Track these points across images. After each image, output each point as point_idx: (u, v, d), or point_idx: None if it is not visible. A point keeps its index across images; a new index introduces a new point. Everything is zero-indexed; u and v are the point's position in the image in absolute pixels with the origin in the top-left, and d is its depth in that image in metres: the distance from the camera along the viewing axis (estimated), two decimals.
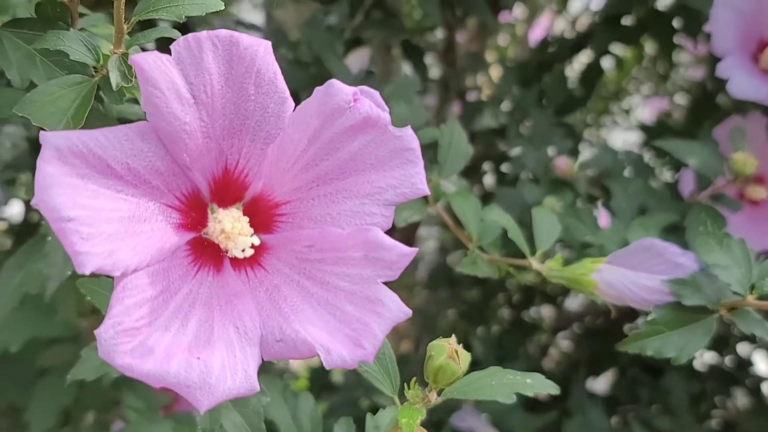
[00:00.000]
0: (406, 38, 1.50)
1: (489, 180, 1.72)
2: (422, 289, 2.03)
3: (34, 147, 1.34)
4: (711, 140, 1.13)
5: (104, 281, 0.72)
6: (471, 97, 1.85)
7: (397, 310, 0.54)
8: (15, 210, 1.58)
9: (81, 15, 0.73)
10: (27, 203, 1.37)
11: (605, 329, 1.76)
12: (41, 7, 0.69)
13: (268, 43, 0.55)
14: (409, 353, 1.93)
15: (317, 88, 0.56)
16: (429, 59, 1.66)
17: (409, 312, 0.54)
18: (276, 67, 0.56)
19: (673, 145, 1.09)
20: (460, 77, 1.70)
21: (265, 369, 0.67)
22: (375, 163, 0.57)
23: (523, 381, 0.71)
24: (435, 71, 1.86)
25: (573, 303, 1.98)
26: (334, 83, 0.56)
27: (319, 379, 1.68)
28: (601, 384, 1.89)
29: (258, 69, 0.55)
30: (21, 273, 0.85)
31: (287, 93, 0.56)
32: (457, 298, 1.82)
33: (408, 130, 0.58)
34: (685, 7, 1.38)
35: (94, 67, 0.65)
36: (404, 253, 0.55)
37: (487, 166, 1.70)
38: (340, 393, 1.60)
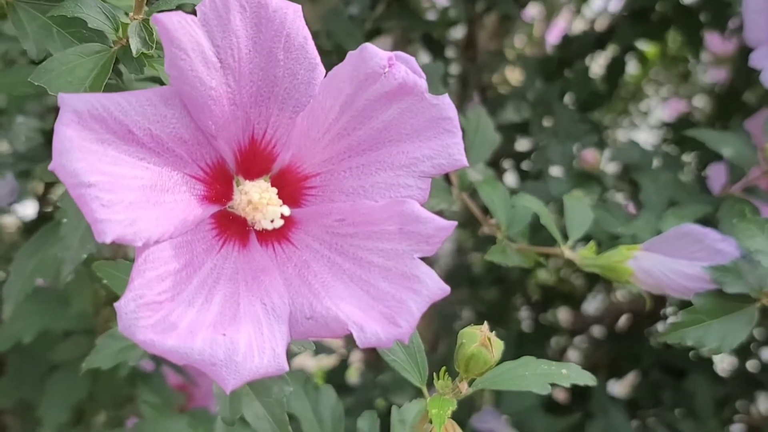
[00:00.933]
0: (428, 32, 1.47)
1: (509, 178, 1.69)
2: None
3: (49, 139, 1.32)
4: (743, 131, 1.11)
5: (122, 265, 0.69)
6: (488, 95, 1.82)
7: (434, 286, 0.51)
8: (28, 211, 1.55)
9: None
10: (40, 199, 1.35)
11: (627, 331, 1.73)
12: None
13: (298, 7, 0.52)
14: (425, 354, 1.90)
15: (350, 53, 0.53)
16: (448, 54, 1.64)
17: (447, 289, 0.51)
18: (306, 32, 0.53)
19: (706, 135, 1.07)
20: (481, 74, 1.67)
21: None
22: (410, 132, 0.54)
23: (558, 371, 0.68)
24: (453, 68, 1.83)
25: (590, 306, 1.95)
26: (369, 47, 0.53)
27: (335, 380, 1.65)
28: (618, 388, 1.86)
29: (287, 33, 0.52)
30: (35, 259, 0.83)
31: (318, 59, 0.53)
32: (476, 298, 1.78)
33: (445, 98, 0.55)
34: None
35: (113, 41, 0.63)
36: (442, 226, 0.51)
37: (506, 163, 1.67)
38: (355, 394, 1.56)
